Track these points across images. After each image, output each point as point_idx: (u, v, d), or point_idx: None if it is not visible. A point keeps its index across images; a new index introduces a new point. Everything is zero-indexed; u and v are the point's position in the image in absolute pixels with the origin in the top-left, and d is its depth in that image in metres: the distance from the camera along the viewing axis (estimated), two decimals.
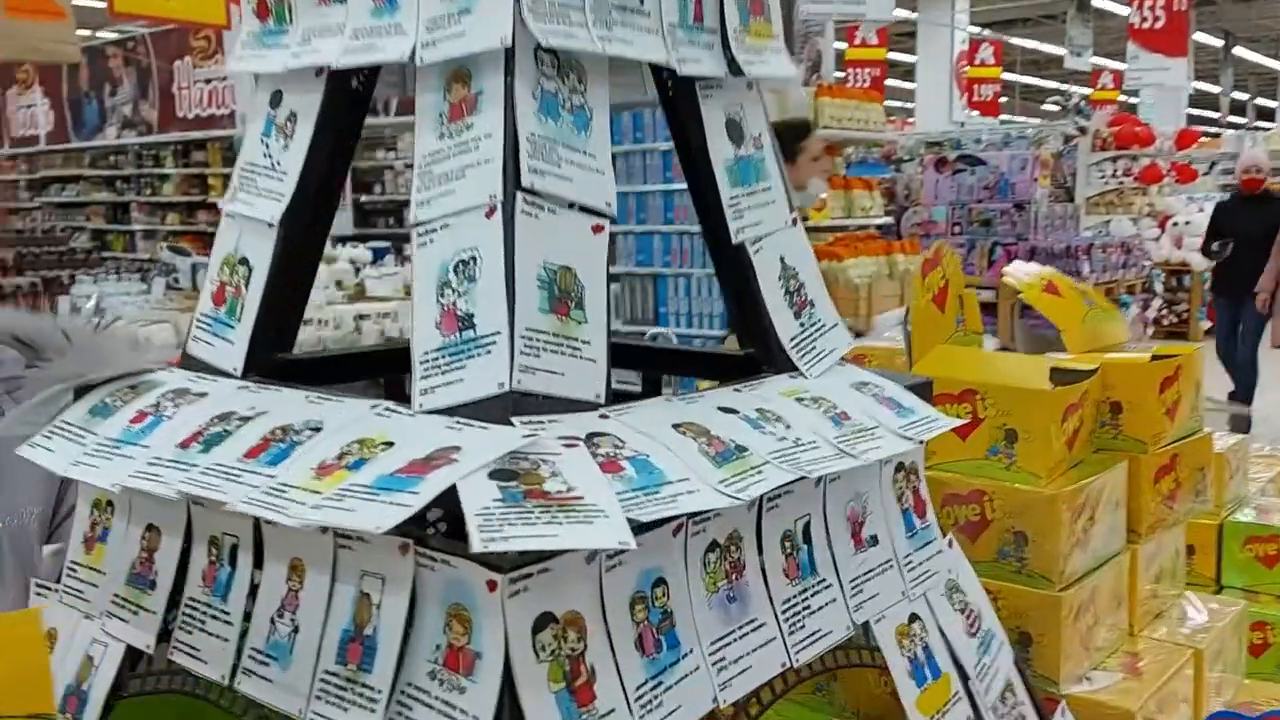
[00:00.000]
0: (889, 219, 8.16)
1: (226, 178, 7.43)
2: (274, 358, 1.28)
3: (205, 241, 6.84)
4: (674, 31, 1.09)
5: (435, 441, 0.90)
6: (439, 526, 0.92)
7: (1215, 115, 21.56)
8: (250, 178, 1.17)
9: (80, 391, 1.20)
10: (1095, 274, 8.16)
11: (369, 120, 1.35)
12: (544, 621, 0.86)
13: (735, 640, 1.02)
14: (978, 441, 1.55)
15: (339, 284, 6.07)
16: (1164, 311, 11.03)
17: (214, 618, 1.05)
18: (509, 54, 0.97)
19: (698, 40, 1.12)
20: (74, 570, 1.19)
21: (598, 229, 1.01)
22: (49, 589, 1.23)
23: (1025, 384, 1.54)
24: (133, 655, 1.11)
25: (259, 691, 0.99)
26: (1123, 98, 17.19)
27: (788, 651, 1.06)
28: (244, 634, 1.02)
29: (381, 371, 1.36)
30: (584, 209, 1.00)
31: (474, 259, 0.96)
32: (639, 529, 0.86)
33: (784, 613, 1.07)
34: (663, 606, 0.96)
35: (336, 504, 0.85)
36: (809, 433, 1.08)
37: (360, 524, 0.80)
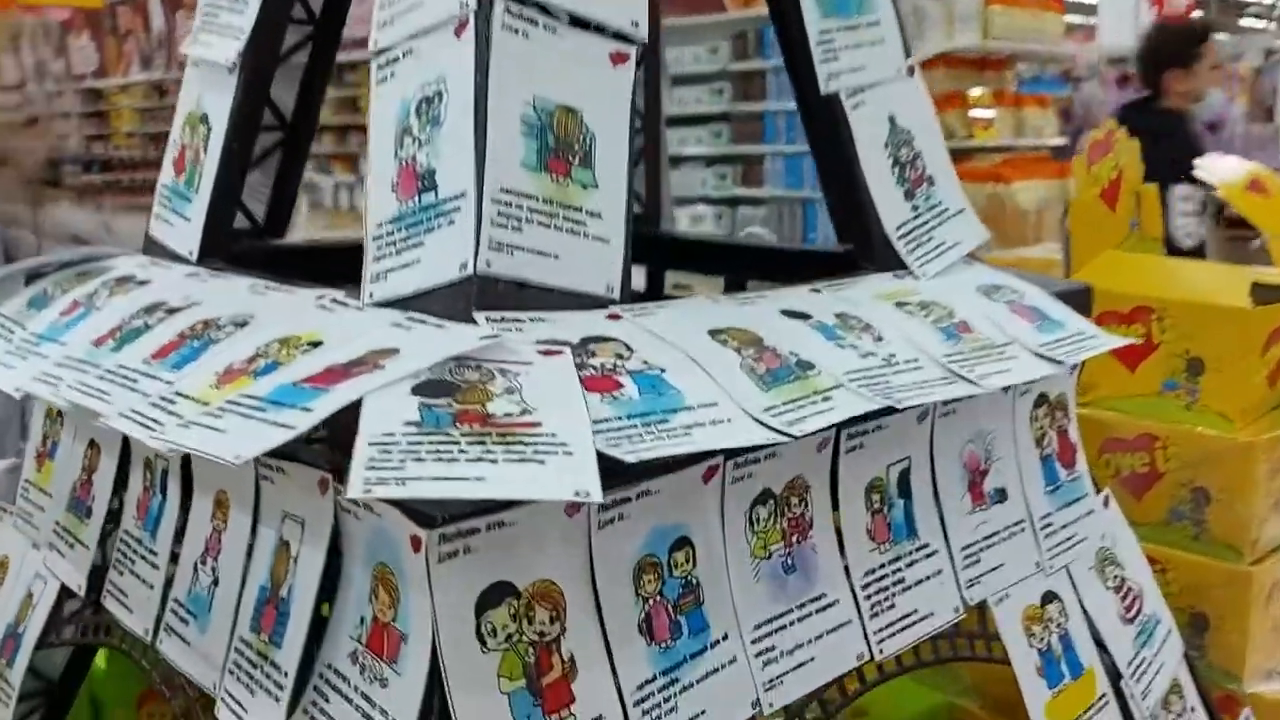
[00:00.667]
0: (1064, 140, 7.52)
1: None
2: (262, 244, 1.06)
3: (352, 164, 6.82)
4: None
5: (372, 342, 0.65)
6: None
7: None
8: (212, 13, 0.93)
9: (31, 278, 1.01)
10: None
11: None
12: (496, 595, 0.61)
13: (792, 624, 0.75)
14: (1150, 373, 1.23)
15: None
16: None
17: (143, 558, 0.84)
18: None
19: None
20: (26, 490, 1.01)
21: (619, 58, 0.74)
22: (6, 510, 1.05)
23: (1217, 301, 1.20)
24: (68, 596, 0.92)
25: (177, 655, 0.78)
26: None
27: (867, 640, 0.79)
28: (170, 581, 0.81)
29: None
30: (598, 28, 0.73)
31: (439, 94, 0.70)
32: (636, 472, 0.60)
33: (865, 588, 0.80)
34: (685, 576, 0.70)
35: (210, 422, 0.62)
36: (908, 348, 0.79)
37: (219, 449, 0.57)
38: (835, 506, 0.79)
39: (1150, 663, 0.98)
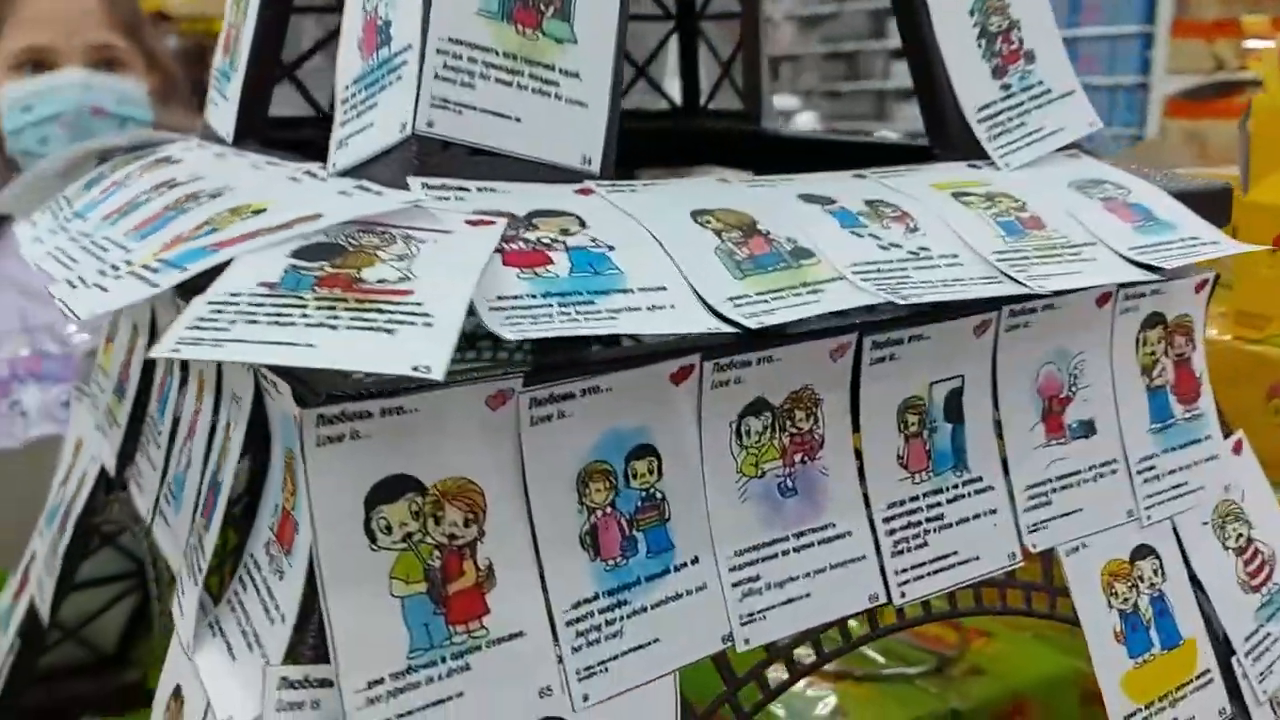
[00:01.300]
0: None
1: None
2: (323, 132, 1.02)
3: None
4: None
5: (304, 208, 0.60)
6: None
7: None
8: None
9: (102, 159, 1.01)
10: None
11: None
12: (393, 489, 0.55)
13: (785, 554, 0.66)
14: None
15: None
16: None
17: (153, 439, 0.83)
18: None
19: None
20: (95, 372, 1.03)
21: None
22: (84, 392, 1.07)
23: None
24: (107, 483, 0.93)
25: (161, 537, 0.76)
26: None
27: (886, 580, 0.69)
28: (168, 462, 0.79)
29: None
30: None
31: None
32: (579, 366, 0.52)
33: (889, 521, 0.69)
34: (647, 489, 0.62)
35: (109, 282, 0.58)
36: (949, 241, 0.67)
37: (77, 304, 0.53)
38: (856, 426, 0.69)
39: (1276, 640, 0.82)
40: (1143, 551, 0.78)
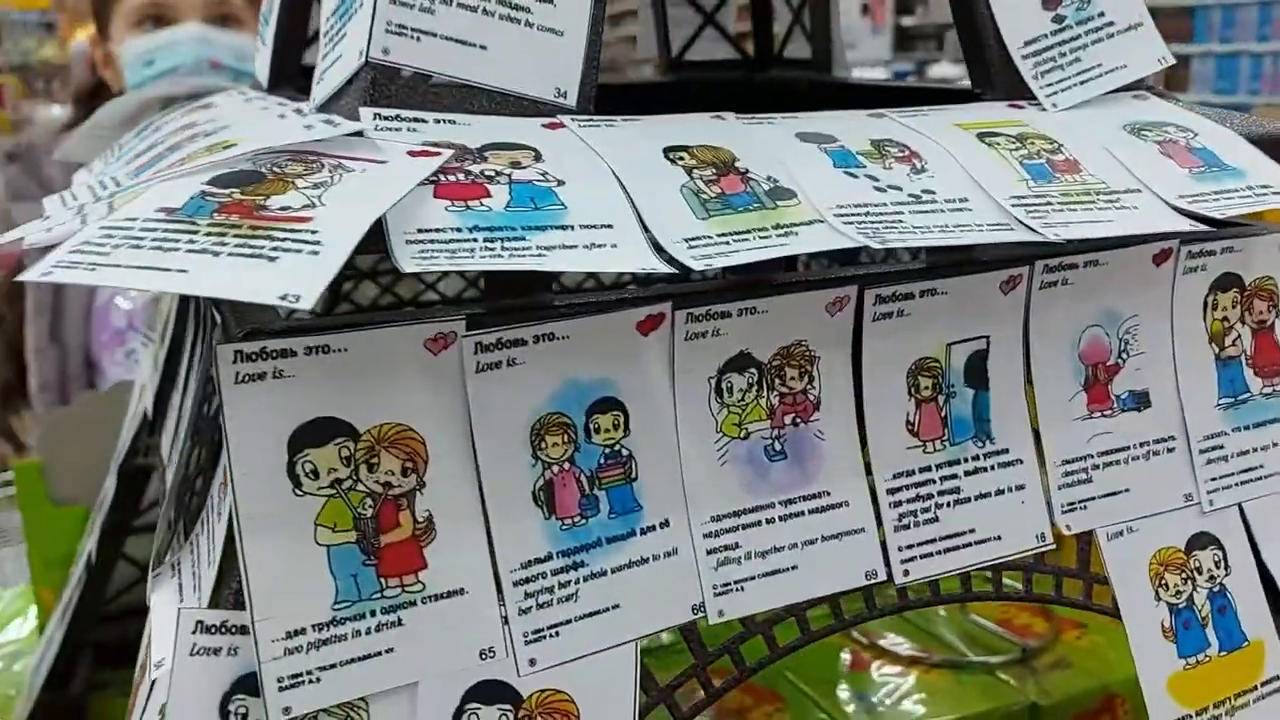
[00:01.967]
0: None
1: None
2: None
3: None
4: None
5: (263, 141, 0.57)
6: None
7: None
8: None
9: (165, 105, 1.03)
10: None
11: None
12: (320, 432, 0.52)
13: (770, 521, 0.61)
14: None
15: None
16: None
17: (177, 381, 0.83)
18: None
19: None
20: (155, 318, 1.04)
21: None
22: (150, 339, 1.09)
23: None
24: None
25: (169, 477, 0.76)
26: None
27: (886, 557, 0.63)
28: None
29: None
30: None
31: None
32: (531, 311, 0.49)
33: (894, 493, 0.63)
34: (611, 445, 0.58)
35: (57, 220, 0.57)
36: (961, 184, 0.60)
37: (27, 239, 0.52)
38: (859, 389, 0.63)
39: None
40: (1202, 540, 0.70)
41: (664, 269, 0.50)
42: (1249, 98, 5.56)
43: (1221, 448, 0.70)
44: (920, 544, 0.63)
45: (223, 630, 0.52)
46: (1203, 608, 0.69)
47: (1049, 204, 0.60)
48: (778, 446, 0.61)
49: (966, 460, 0.65)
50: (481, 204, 0.51)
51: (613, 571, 0.58)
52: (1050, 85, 0.70)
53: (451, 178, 0.52)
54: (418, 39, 0.57)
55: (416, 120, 0.57)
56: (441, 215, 0.50)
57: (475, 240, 0.49)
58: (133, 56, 1.56)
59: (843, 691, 1.08)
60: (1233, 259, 0.70)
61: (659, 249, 0.52)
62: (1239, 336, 0.71)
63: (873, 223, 0.56)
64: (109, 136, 1.01)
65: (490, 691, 0.55)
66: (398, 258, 0.47)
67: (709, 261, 0.51)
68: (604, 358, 0.57)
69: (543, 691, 0.56)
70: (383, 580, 0.53)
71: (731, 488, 0.60)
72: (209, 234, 0.45)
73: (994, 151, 0.63)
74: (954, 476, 0.65)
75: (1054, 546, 0.67)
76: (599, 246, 0.51)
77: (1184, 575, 0.69)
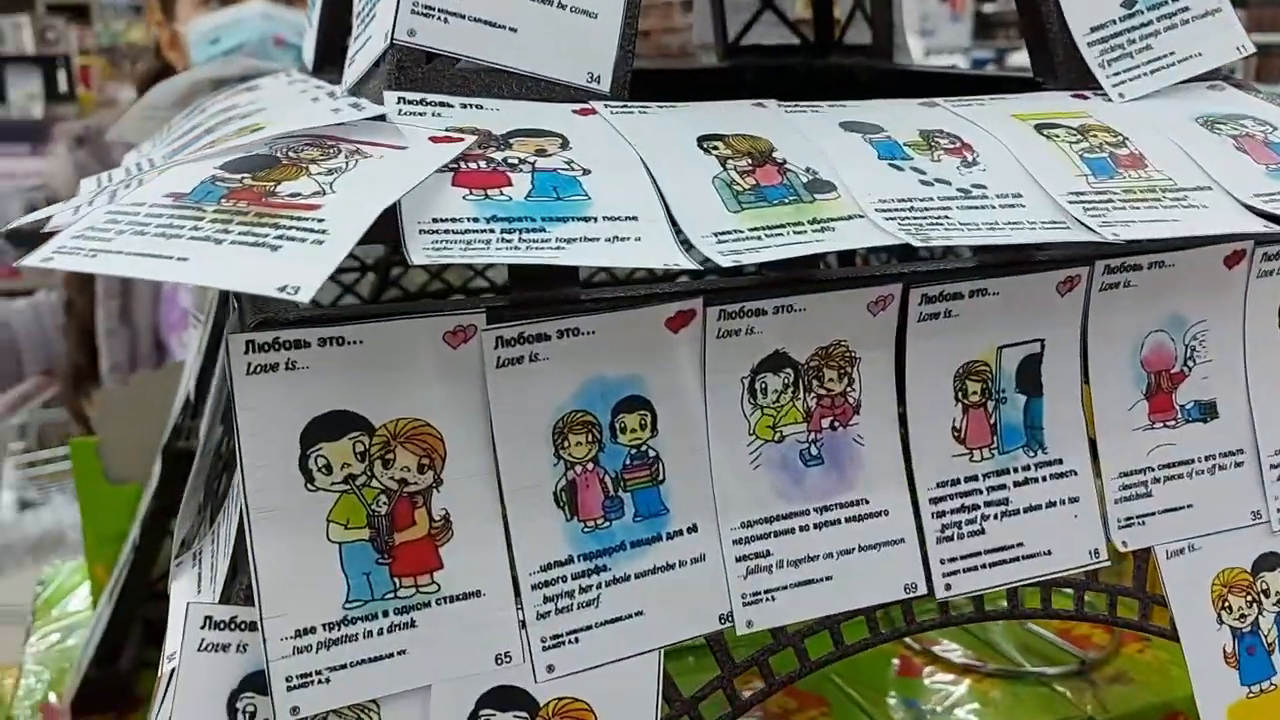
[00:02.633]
0: None
1: None
2: None
3: None
4: None
5: (290, 124, 0.56)
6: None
7: None
8: None
9: (217, 85, 1.03)
10: None
11: None
12: (336, 426, 0.50)
13: (804, 529, 0.58)
14: None
15: None
16: None
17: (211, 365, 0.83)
18: None
19: None
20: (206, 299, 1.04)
21: None
22: (198, 319, 1.09)
23: None
24: None
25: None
26: None
27: (928, 569, 0.60)
28: None
29: None
30: None
31: None
32: (557, 305, 0.47)
33: (937, 502, 0.60)
34: (638, 445, 0.55)
35: (84, 200, 0.56)
36: (1015, 179, 0.57)
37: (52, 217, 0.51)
38: (902, 392, 0.60)
39: None
40: (1271, 561, 0.66)
41: (688, 265, 0.48)
42: None
43: None
44: (964, 557, 0.60)
45: (232, 626, 0.51)
46: (1269, 633, 0.65)
47: (1110, 201, 0.56)
48: (814, 451, 0.58)
49: (1016, 470, 0.62)
50: (501, 193, 0.49)
51: (636, 577, 0.55)
52: (1118, 74, 0.66)
53: (472, 165, 0.51)
54: (445, 20, 0.55)
55: (442, 105, 0.55)
56: (459, 204, 0.48)
57: (492, 231, 0.47)
58: (198, 35, 1.57)
59: (891, 698, 1.05)
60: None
61: (687, 244, 0.50)
62: None
63: (916, 218, 0.53)
64: (162, 117, 1.01)
65: (505, 697, 0.53)
66: (409, 248, 0.45)
67: (738, 258, 0.49)
68: (632, 355, 0.55)
69: (560, 699, 0.54)
70: (396, 580, 0.52)
71: (764, 492, 0.58)
72: (214, 220, 0.44)
73: (1053, 144, 0.59)
74: (1002, 487, 0.61)
75: (1109, 563, 0.63)
76: (622, 240, 0.49)
77: (1249, 598, 0.65)
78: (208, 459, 0.70)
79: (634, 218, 0.50)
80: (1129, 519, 0.63)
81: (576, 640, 0.54)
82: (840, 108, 0.62)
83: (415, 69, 0.55)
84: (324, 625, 0.50)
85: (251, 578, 0.49)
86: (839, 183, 0.54)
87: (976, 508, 0.61)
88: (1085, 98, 0.65)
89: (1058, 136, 0.60)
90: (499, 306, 0.52)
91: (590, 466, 0.55)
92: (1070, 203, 0.55)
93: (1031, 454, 0.62)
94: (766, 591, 0.57)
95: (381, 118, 0.52)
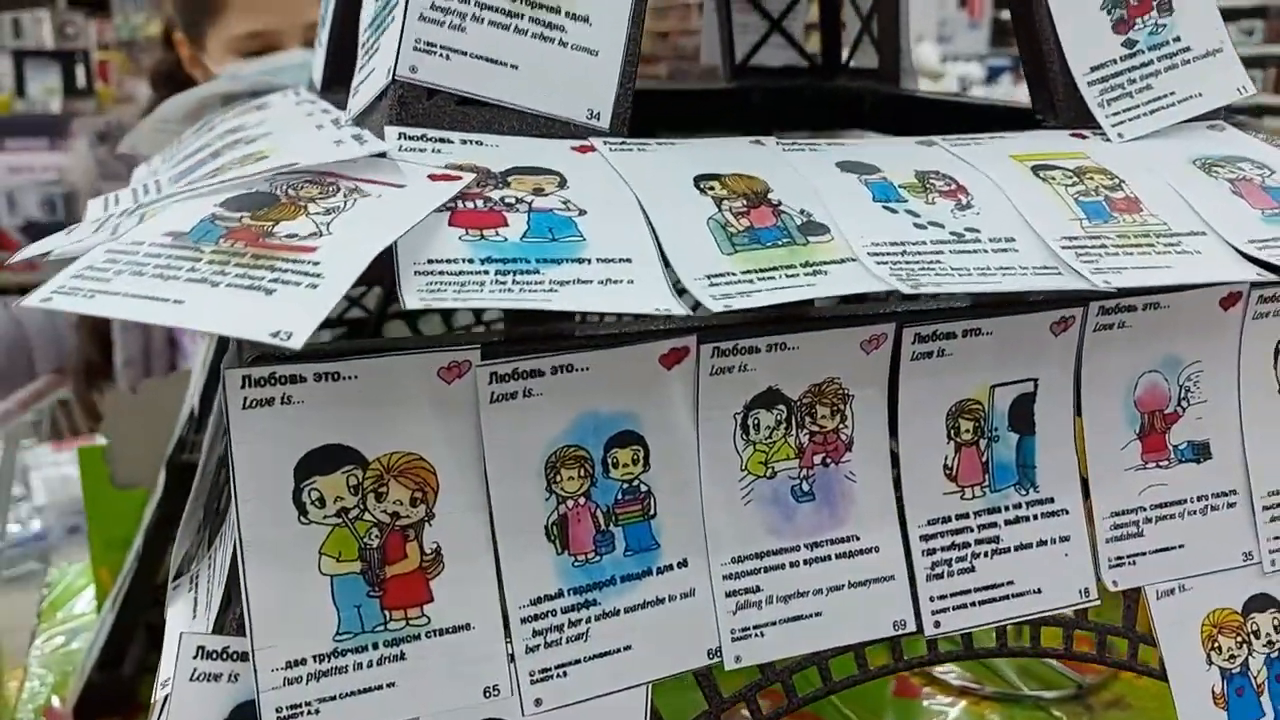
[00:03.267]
0: None
1: None
2: None
3: None
4: None
5: (292, 155, 0.57)
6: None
7: None
8: None
9: (228, 100, 1.03)
10: None
11: None
12: (329, 460, 0.51)
13: (794, 565, 0.59)
14: None
15: None
16: None
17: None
18: None
19: None
20: None
21: None
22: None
23: None
24: None
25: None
26: None
27: (917, 606, 0.60)
28: None
29: None
30: None
31: None
32: (549, 342, 0.47)
33: (928, 540, 0.61)
34: (629, 480, 0.56)
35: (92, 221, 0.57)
36: (1008, 223, 0.57)
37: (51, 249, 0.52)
38: (894, 430, 0.60)
39: None
40: (1261, 603, 0.66)
41: (679, 310, 0.48)
42: None
43: None
44: (954, 594, 0.61)
45: (224, 656, 0.51)
46: (1259, 674, 0.65)
47: (1103, 246, 0.56)
48: (805, 487, 0.59)
49: (1007, 508, 0.62)
50: (497, 233, 0.50)
51: (626, 611, 0.56)
52: (1117, 114, 0.66)
53: (469, 204, 0.51)
54: (447, 57, 0.56)
55: (442, 141, 0.56)
56: (454, 245, 0.49)
57: (486, 273, 0.48)
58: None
59: (888, 719, 1.06)
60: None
61: (680, 285, 0.50)
62: None
63: (909, 263, 0.53)
64: (173, 130, 1.02)
65: None
66: (403, 291, 0.46)
67: (729, 302, 0.49)
68: (625, 391, 0.55)
69: None
70: (387, 612, 0.52)
71: (754, 528, 0.58)
72: (211, 261, 0.45)
73: (1048, 187, 0.59)
74: (993, 525, 0.62)
75: (1098, 602, 0.63)
76: (615, 282, 0.49)
77: (1239, 639, 0.65)
78: (207, 479, 0.70)
79: (628, 259, 0.50)
80: (1119, 559, 0.63)
81: (565, 674, 0.55)
82: (839, 146, 0.62)
83: (416, 104, 0.56)
84: (314, 657, 0.51)
85: (244, 609, 0.50)
86: (833, 225, 0.54)
87: (967, 545, 0.61)
88: (1084, 137, 0.66)
89: (1054, 179, 0.60)
90: (494, 342, 0.53)
91: (582, 501, 0.55)
92: (1063, 248, 0.56)
93: (1023, 493, 0.62)
94: (755, 627, 0.58)
95: (382, 154, 0.53)
